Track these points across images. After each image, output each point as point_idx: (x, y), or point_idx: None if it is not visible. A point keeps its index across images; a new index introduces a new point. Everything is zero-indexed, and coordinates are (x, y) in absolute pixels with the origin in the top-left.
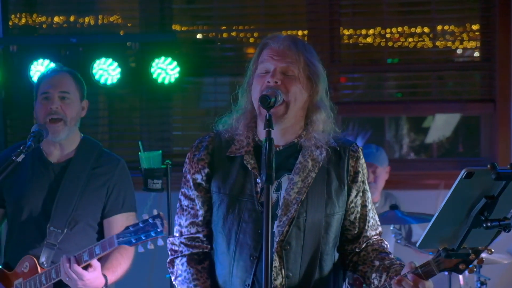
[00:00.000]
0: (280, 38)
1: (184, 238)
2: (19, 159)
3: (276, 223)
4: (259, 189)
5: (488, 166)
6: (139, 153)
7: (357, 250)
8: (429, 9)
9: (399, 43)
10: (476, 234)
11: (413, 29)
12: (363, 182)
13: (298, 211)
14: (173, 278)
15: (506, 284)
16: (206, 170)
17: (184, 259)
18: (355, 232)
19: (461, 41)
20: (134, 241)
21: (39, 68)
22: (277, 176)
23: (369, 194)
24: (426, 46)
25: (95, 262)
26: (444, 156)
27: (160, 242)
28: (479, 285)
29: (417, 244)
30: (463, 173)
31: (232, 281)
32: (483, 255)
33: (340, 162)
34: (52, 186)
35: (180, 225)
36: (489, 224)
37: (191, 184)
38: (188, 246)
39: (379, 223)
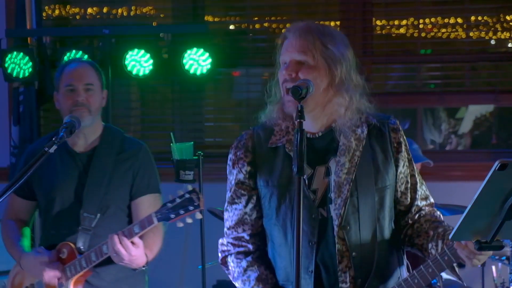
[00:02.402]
0: (296, 28)
1: (231, 238)
2: (52, 150)
3: (332, 206)
4: (306, 176)
5: None
6: (171, 144)
7: (410, 222)
8: (462, 0)
9: (432, 34)
10: (509, 227)
11: (446, 20)
12: (407, 152)
13: (350, 191)
14: (230, 278)
15: None
16: (248, 168)
17: (233, 256)
18: (407, 203)
19: (495, 32)
20: (173, 216)
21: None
22: (325, 161)
23: (414, 164)
24: (460, 37)
25: (138, 240)
26: (477, 147)
27: (197, 215)
28: (511, 277)
29: (450, 236)
30: (496, 164)
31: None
32: None
33: (382, 136)
34: (81, 174)
35: (227, 226)
36: None
37: (235, 183)
38: (234, 245)
39: (428, 193)
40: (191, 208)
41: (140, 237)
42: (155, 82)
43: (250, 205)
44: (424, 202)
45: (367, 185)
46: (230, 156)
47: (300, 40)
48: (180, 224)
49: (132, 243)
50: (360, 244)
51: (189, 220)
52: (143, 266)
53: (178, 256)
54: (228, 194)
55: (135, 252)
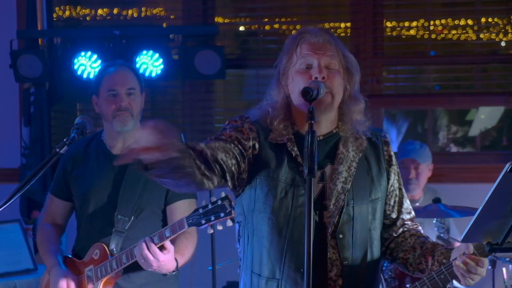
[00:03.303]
0: (316, 32)
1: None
2: (63, 151)
3: (325, 213)
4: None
5: None
6: None
7: (394, 235)
8: (473, 1)
9: (442, 36)
10: None
11: (456, 21)
12: (397, 165)
13: (346, 200)
14: None
15: None
16: (253, 142)
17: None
18: (394, 216)
19: (505, 34)
20: (203, 222)
21: (82, 60)
22: (321, 166)
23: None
24: (470, 39)
25: (169, 245)
26: (487, 149)
27: (228, 223)
28: None
29: (461, 238)
30: (508, 166)
31: (284, 268)
32: None
33: (376, 149)
34: (116, 177)
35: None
36: None
37: (237, 129)
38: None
39: (411, 207)
40: (222, 215)
41: (173, 240)
42: (166, 83)
43: (238, 155)
44: (408, 216)
45: (362, 196)
46: (230, 123)
47: (325, 44)
48: (210, 231)
49: (163, 247)
50: (352, 254)
51: (219, 227)
52: (173, 271)
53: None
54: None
55: (163, 257)
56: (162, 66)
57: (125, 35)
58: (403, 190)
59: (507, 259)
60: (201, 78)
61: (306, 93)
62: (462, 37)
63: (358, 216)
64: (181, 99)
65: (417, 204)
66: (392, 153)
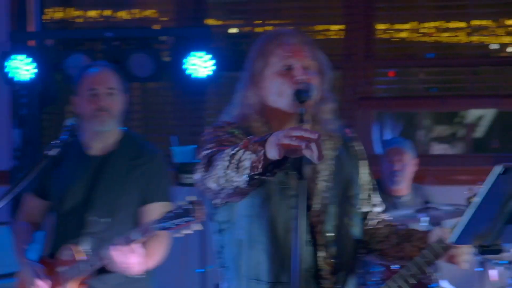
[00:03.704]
0: (292, 33)
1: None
2: (53, 153)
3: (311, 213)
4: (288, 178)
5: None
6: (172, 147)
7: (367, 228)
8: (464, 4)
9: (434, 38)
10: (510, 231)
11: (448, 24)
12: (367, 160)
13: (329, 198)
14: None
15: None
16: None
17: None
18: (367, 210)
19: (497, 36)
20: (172, 225)
21: (74, 62)
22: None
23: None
24: (462, 41)
25: (139, 248)
26: (478, 151)
27: (197, 227)
28: (510, 281)
29: (452, 240)
30: (498, 168)
31: (288, 271)
32: None
33: (346, 146)
34: (93, 177)
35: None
36: None
37: (229, 136)
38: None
39: (380, 199)
40: (187, 219)
41: (144, 243)
42: (157, 85)
43: None
44: (380, 209)
45: (343, 193)
46: (212, 130)
47: (303, 45)
48: (179, 234)
49: (133, 250)
50: (338, 251)
51: (187, 231)
52: (142, 274)
53: (177, 259)
54: (208, 151)
55: (132, 260)
56: (153, 68)
57: (117, 37)
58: (374, 183)
59: (497, 261)
60: (192, 80)
61: (299, 94)
62: (454, 39)
63: (340, 213)
64: (172, 101)
65: (404, 200)
66: (362, 148)
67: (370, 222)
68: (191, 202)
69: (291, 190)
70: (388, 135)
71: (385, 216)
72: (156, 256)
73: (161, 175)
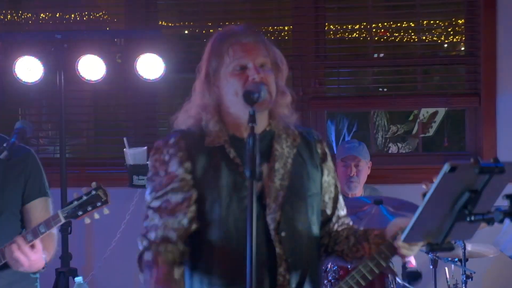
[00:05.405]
0: (245, 32)
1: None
2: (3, 156)
3: (267, 211)
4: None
5: (471, 160)
6: (124, 149)
7: (328, 231)
8: (414, 4)
9: (384, 38)
10: (460, 228)
11: (398, 24)
12: (331, 162)
13: (286, 197)
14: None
15: (492, 277)
16: (187, 164)
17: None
18: (329, 212)
19: (447, 36)
20: (80, 213)
21: (24, 65)
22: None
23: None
24: (412, 41)
25: (38, 243)
26: (429, 150)
27: (105, 211)
28: (464, 278)
29: (402, 238)
30: (446, 167)
31: (244, 273)
32: (469, 248)
33: (309, 145)
34: None
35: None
36: (473, 218)
37: (172, 179)
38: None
39: (344, 203)
40: (98, 204)
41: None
42: (109, 87)
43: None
44: (343, 212)
45: (300, 192)
46: (157, 156)
47: (256, 43)
48: (88, 221)
49: (33, 246)
50: (295, 250)
51: (96, 216)
52: (42, 269)
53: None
54: (157, 193)
55: (34, 256)
56: (105, 70)
57: (68, 39)
58: (339, 187)
59: (449, 258)
60: (144, 82)
61: (248, 96)
62: (404, 39)
63: (297, 212)
64: (124, 103)
65: None
66: (327, 151)
67: (332, 226)
68: (97, 188)
69: (239, 191)
70: (341, 134)
71: (347, 220)
72: (52, 249)
73: (38, 172)
